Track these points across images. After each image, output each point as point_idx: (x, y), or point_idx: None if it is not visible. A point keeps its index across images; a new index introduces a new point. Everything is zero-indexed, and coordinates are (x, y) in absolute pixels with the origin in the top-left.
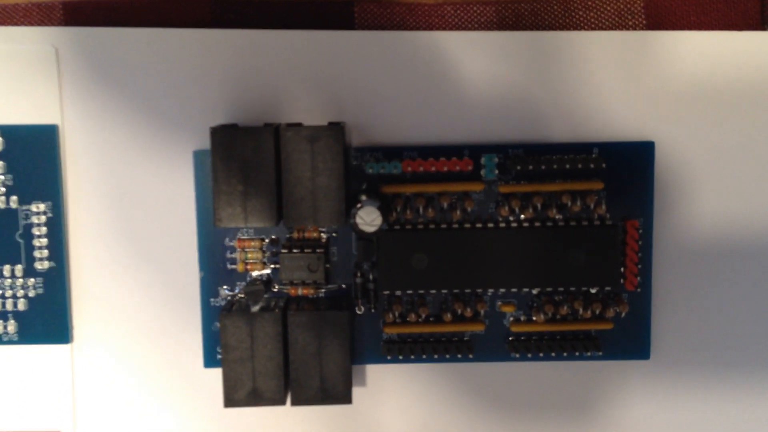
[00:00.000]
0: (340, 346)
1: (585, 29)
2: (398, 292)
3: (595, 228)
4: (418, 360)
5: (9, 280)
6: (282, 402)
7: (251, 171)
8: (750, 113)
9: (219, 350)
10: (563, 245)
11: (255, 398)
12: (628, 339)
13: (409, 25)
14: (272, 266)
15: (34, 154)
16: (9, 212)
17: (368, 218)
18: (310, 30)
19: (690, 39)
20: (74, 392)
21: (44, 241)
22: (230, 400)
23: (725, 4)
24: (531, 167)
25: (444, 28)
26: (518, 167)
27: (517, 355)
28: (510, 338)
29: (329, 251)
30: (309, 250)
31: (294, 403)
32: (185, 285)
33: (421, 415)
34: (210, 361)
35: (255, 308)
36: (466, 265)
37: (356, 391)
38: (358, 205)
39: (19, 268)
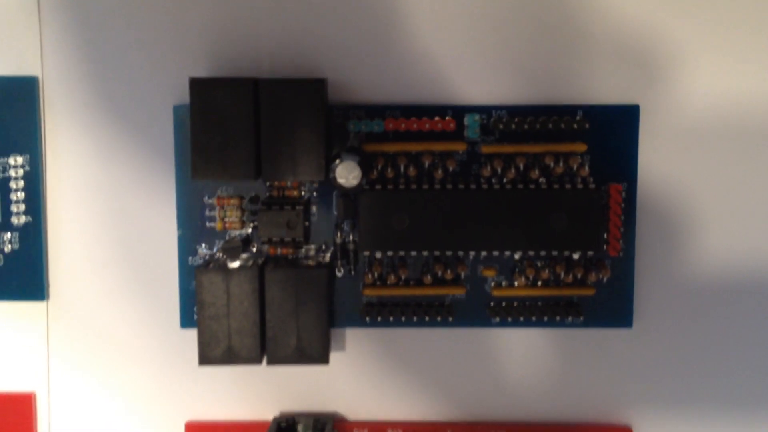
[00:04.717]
0: (317, 305)
1: None
2: (378, 254)
3: (577, 191)
4: (398, 324)
5: None
6: (258, 361)
7: (230, 124)
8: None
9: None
10: (545, 208)
11: (230, 356)
12: (611, 306)
13: None
14: (252, 225)
15: (13, 106)
16: None
17: (348, 173)
18: None
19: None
20: (49, 351)
21: (21, 195)
22: (205, 358)
23: None
24: (514, 127)
25: None
26: (501, 127)
27: (498, 320)
28: (491, 303)
29: (309, 210)
30: (288, 207)
31: (270, 362)
32: (163, 243)
33: (400, 379)
34: (187, 321)
35: (232, 265)
36: (448, 226)
37: (334, 355)
38: (338, 161)
39: None
